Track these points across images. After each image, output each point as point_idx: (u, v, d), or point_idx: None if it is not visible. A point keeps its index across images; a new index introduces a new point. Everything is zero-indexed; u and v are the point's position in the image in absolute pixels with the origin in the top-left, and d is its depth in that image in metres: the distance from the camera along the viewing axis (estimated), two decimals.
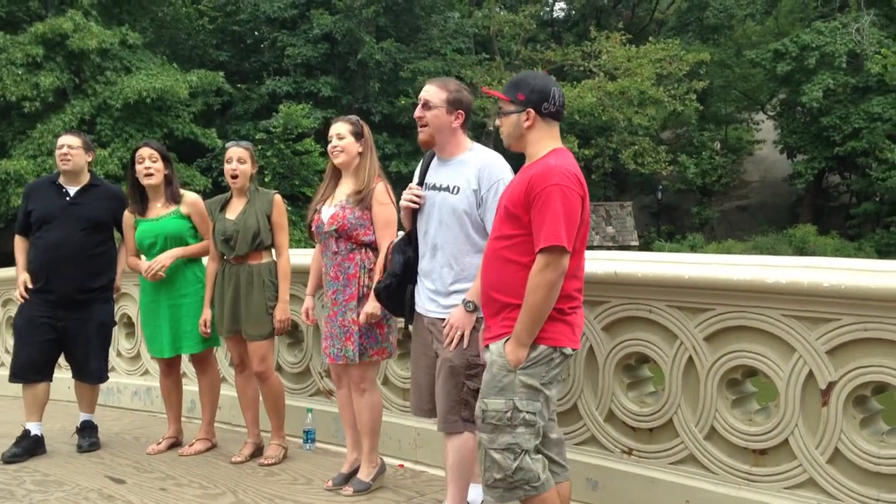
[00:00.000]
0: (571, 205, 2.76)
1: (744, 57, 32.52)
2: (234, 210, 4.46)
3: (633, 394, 3.75)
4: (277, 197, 4.53)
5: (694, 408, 3.49)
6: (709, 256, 3.86)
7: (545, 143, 2.92)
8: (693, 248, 28.29)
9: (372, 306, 3.79)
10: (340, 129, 3.97)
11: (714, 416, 3.43)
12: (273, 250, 4.50)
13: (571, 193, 2.76)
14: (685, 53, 29.14)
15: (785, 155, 32.83)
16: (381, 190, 3.93)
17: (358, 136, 3.98)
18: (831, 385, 3.12)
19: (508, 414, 2.80)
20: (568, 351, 2.87)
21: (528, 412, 2.81)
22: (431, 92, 3.38)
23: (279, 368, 5.13)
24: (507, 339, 2.84)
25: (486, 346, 2.96)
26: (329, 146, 4.03)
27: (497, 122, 3.01)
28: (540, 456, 2.90)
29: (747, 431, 3.35)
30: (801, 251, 25.97)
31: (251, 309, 4.39)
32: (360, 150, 3.97)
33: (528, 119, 2.90)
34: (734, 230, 32.15)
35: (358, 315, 3.85)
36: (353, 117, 4.10)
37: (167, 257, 4.60)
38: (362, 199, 3.90)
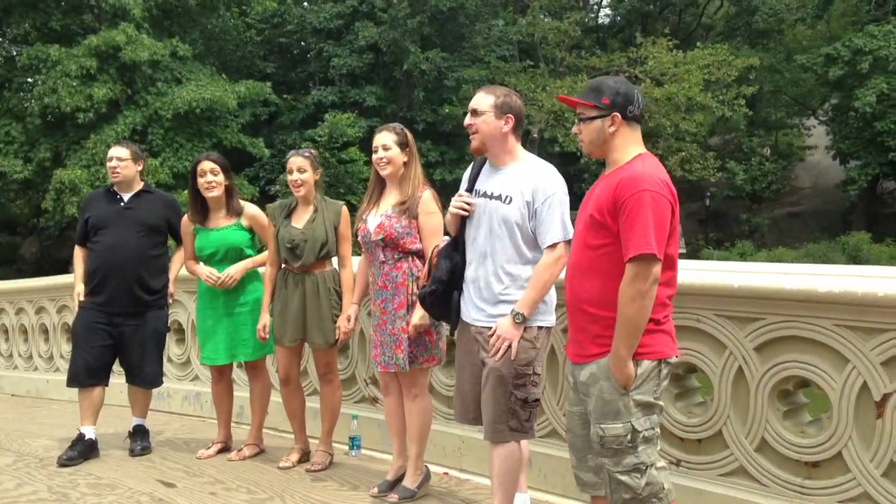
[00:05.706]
0: (661, 211, 2.64)
1: (794, 62, 31.95)
2: (301, 218, 4.43)
3: (680, 404, 3.70)
4: (345, 209, 4.49)
5: (744, 419, 3.44)
6: (759, 265, 3.79)
7: (630, 147, 2.80)
8: (742, 256, 27.80)
9: (419, 316, 3.77)
10: (386, 140, 3.93)
11: (765, 428, 3.37)
12: (335, 259, 4.49)
13: (661, 199, 2.65)
14: (734, 58, 28.71)
15: (837, 161, 32.13)
16: (428, 198, 3.90)
17: (403, 145, 3.94)
18: (886, 396, 3.05)
19: (628, 437, 2.72)
20: (672, 360, 2.80)
21: (646, 430, 2.74)
22: (479, 99, 3.36)
23: None
24: (607, 359, 2.73)
25: (579, 364, 2.87)
26: (374, 157, 3.97)
27: (575, 129, 2.89)
28: (663, 463, 2.82)
29: (799, 443, 3.28)
30: (855, 259, 25.36)
31: (319, 317, 4.36)
32: (406, 159, 3.94)
33: (613, 124, 2.79)
34: (785, 238, 31.53)
35: (407, 324, 3.84)
36: (398, 126, 4.04)
37: (237, 270, 4.63)
38: (407, 208, 3.88)
